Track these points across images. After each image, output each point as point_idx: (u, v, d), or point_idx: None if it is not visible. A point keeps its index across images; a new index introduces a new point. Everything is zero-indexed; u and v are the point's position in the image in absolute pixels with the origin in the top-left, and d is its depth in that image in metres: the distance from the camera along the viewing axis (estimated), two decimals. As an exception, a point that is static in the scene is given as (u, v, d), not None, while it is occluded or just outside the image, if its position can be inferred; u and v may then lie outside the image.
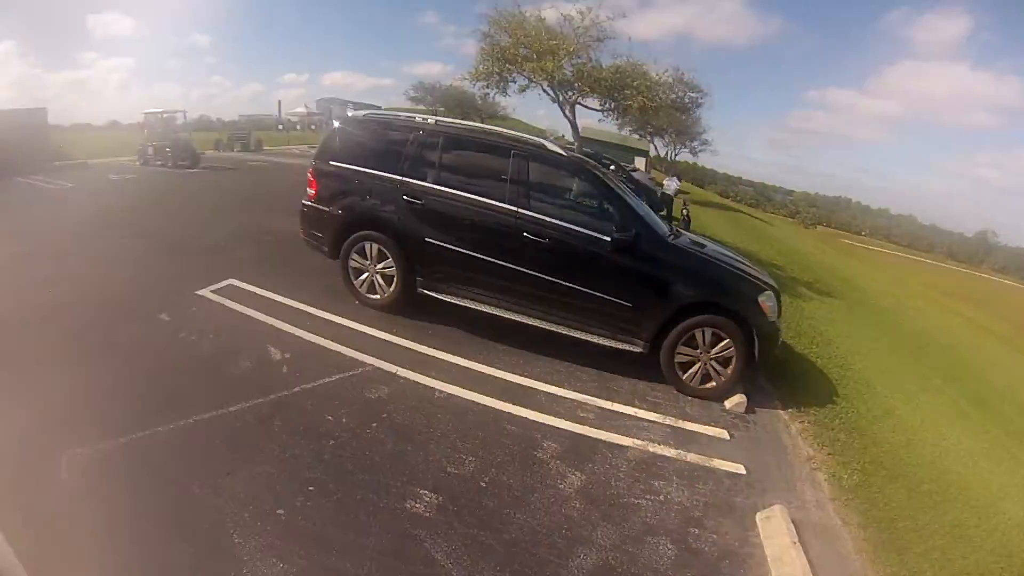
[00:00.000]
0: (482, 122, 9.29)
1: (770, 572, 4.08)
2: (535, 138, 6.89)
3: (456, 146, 6.94)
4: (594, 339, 6.27)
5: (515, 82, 22.40)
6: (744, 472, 5.14)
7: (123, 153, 32.19)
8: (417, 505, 4.07)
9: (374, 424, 5.01)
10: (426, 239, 6.69)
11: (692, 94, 25.20)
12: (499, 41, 20.64)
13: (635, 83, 21.46)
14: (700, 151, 59.64)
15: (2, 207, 15.81)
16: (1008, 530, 5.12)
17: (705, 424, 5.77)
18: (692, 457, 5.18)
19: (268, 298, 7.61)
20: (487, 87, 22.74)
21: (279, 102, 79.17)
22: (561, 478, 4.61)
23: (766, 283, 6.51)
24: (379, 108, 7.37)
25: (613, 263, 6.10)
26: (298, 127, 62.49)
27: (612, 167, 19.43)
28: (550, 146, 6.63)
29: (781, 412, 6.47)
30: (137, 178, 22.58)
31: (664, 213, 17.61)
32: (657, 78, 21.48)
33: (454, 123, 7.30)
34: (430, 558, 3.62)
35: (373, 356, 6.15)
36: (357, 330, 6.78)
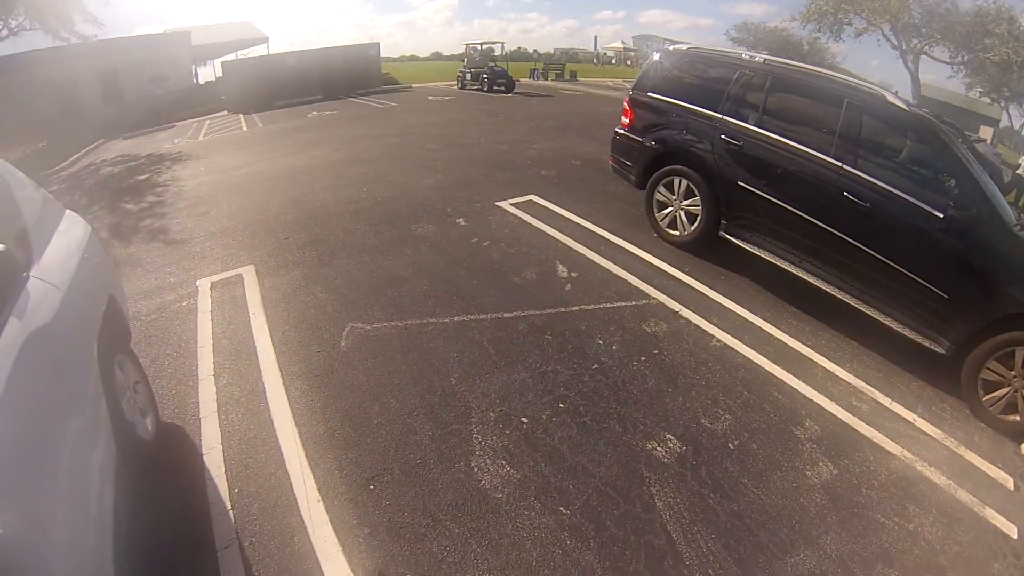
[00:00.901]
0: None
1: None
2: (875, 87, 6.06)
3: (783, 88, 6.36)
4: (893, 325, 5.48)
5: (851, 24, 19.74)
6: (1016, 536, 4.10)
7: (444, 79, 36.09)
8: (658, 449, 3.91)
9: (643, 358, 4.86)
10: (739, 183, 6.33)
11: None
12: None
13: (999, 30, 17.53)
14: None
15: (340, 120, 18.82)
16: None
17: (991, 462, 4.70)
18: (962, 495, 4.27)
19: (565, 217, 7.82)
20: (818, 30, 20.35)
21: (595, 37, 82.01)
22: (812, 464, 4.13)
23: None
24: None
25: (939, 243, 5.20)
26: (613, 61, 64.03)
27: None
28: (891, 98, 5.79)
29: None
30: (454, 100, 24.96)
31: (1012, 200, 14.36)
32: (1030, 26, 17.44)
33: (783, 63, 6.67)
34: (651, 504, 3.48)
35: (659, 291, 5.97)
36: (649, 262, 6.63)
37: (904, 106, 5.71)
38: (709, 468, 3.83)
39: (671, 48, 7.60)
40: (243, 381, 4.35)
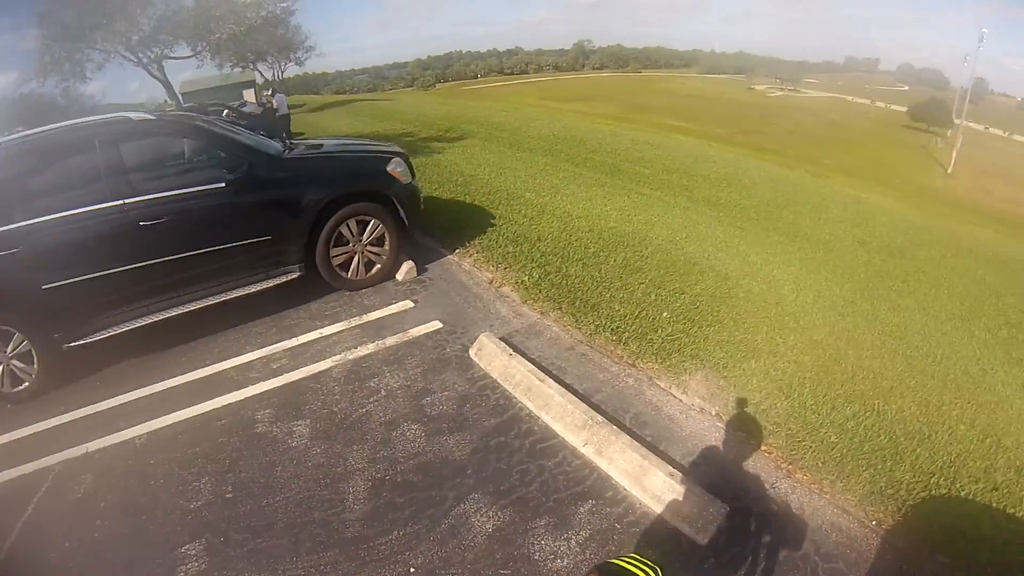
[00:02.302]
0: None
1: (507, 391, 4.49)
2: (114, 115, 6.04)
3: (26, 164, 5.52)
4: (252, 289, 6.03)
5: (91, 60, 19.07)
6: (441, 325, 5.46)
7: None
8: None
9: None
10: (43, 287, 5.32)
11: (282, 3, 24.29)
12: (61, 18, 17.18)
13: (219, 13, 19.79)
14: (306, 59, 55.80)
15: None
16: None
17: (387, 306, 5.94)
18: (390, 341, 5.32)
19: None
20: (63, 79, 19.13)
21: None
22: (290, 436, 4.46)
23: (389, 152, 6.68)
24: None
25: (237, 205, 5.84)
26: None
27: (225, 112, 18.29)
28: (134, 116, 5.89)
29: (450, 257, 6.91)
30: None
31: (286, 135, 17.40)
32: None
33: (10, 139, 5.89)
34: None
35: (45, 455, 4.70)
36: (8, 441, 5.08)
37: (152, 117, 6.11)
38: (227, 537, 3.72)
39: None
40: None
